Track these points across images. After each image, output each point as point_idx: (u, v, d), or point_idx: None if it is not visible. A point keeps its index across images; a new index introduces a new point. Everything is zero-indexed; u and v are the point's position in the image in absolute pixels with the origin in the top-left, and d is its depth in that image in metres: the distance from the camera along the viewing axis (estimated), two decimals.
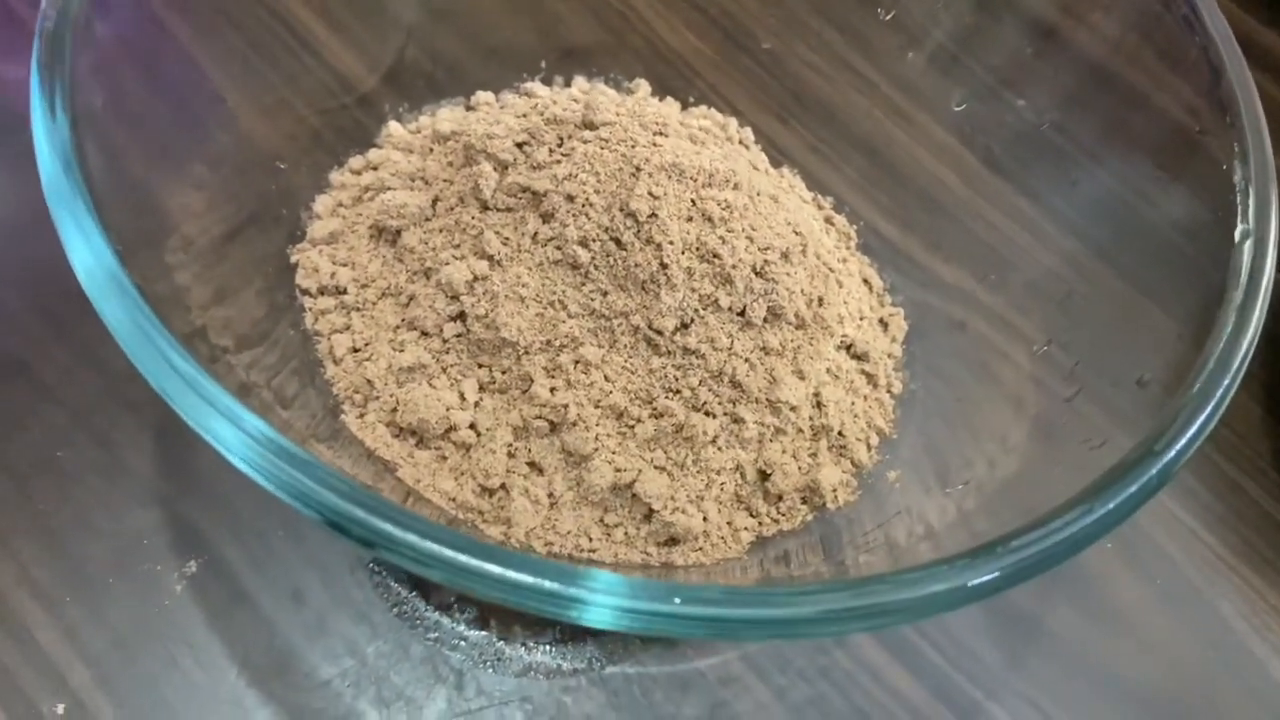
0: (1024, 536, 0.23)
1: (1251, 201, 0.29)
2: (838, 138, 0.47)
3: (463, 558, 0.21)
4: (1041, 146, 0.43)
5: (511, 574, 0.21)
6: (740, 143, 0.43)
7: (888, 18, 0.44)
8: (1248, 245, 0.28)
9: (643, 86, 0.44)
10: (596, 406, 0.33)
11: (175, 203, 0.35)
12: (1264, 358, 0.46)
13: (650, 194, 0.34)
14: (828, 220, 0.43)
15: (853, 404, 0.37)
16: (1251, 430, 0.44)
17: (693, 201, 0.34)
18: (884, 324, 0.40)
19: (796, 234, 0.36)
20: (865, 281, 0.41)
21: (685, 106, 0.45)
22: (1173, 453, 0.24)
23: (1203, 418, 0.24)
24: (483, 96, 0.42)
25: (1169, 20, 0.34)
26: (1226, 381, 0.25)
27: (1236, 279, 0.28)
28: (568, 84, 0.44)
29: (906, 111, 0.47)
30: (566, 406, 0.33)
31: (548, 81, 0.44)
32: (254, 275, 0.36)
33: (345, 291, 0.35)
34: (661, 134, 0.35)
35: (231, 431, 0.22)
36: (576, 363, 0.33)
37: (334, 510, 0.21)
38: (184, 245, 0.33)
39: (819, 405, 0.36)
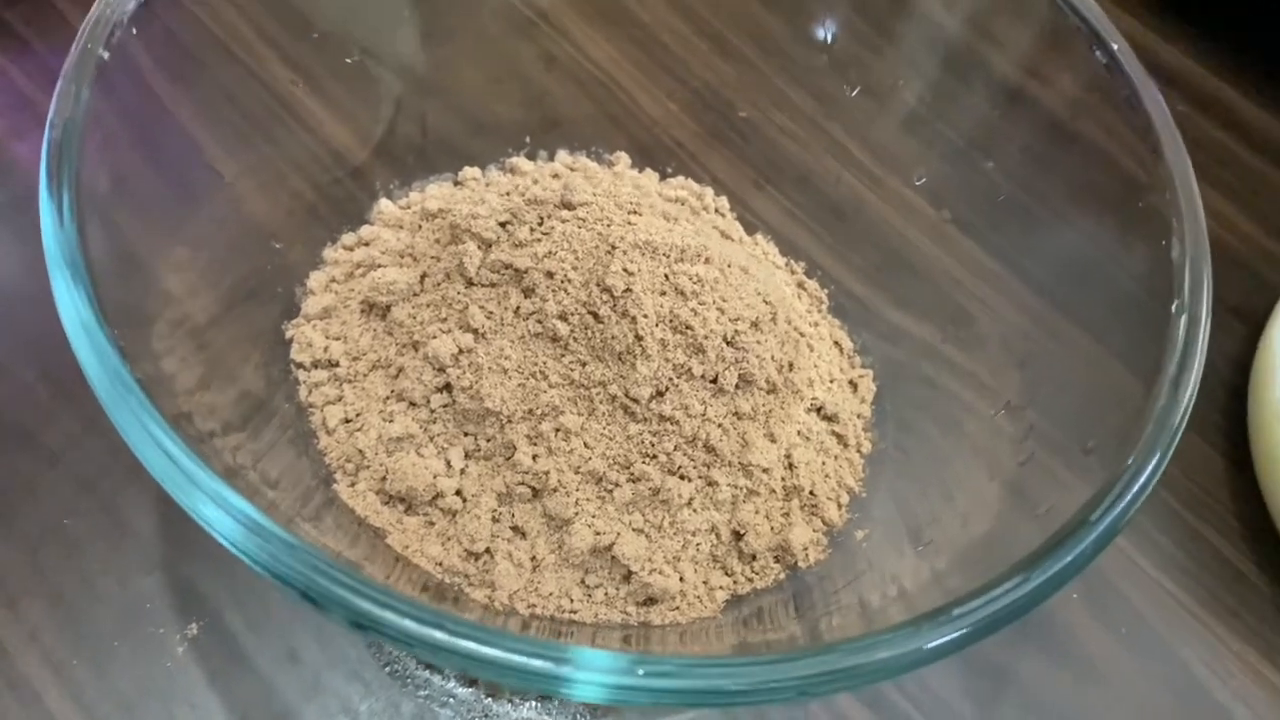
0: (966, 604, 0.25)
1: (1187, 278, 0.31)
2: (811, 201, 0.49)
3: (439, 635, 0.22)
4: (1009, 206, 0.45)
5: (491, 652, 0.22)
6: (716, 211, 0.45)
7: (853, 94, 0.46)
8: (1183, 320, 0.30)
9: (623, 159, 0.46)
10: (576, 472, 0.35)
11: (177, 281, 0.37)
12: (1225, 406, 0.48)
13: (625, 270, 0.35)
14: (800, 285, 0.45)
15: (823, 464, 0.38)
16: (1213, 481, 0.45)
17: (665, 276, 0.36)
18: (854, 385, 0.42)
19: (766, 303, 0.38)
20: (836, 344, 0.43)
21: (664, 176, 0.47)
22: (1106, 523, 0.26)
23: (1134, 490, 0.26)
24: (470, 172, 0.44)
25: (1115, 97, 0.36)
26: (1158, 456, 0.27)
27: (1172, 352, 0.29)
28: (552, 157, 0.46)
29: (877, 175, 0.49)
30: (548, 473, 0.35)
31: (532, 155, 0.46)
32: (251, 351, 0.37)
33: (338, 364, 0.37)
34: (636, 212, 0.37)
35: (217, 513, 0.24)
36: (557, 430, 0.35)
37: (317, 591, 0.23)
38: (181, 324, 0.35)
39: (790, 466, 0.38)
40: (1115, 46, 0.35)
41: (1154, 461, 0.27)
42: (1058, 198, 0.45)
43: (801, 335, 0.40)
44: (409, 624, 0.22)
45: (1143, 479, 0.26)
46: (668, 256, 0.36)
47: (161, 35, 0.36)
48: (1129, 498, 0.26)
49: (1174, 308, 0.30)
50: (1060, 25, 0.37)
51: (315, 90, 0.46)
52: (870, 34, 0.47)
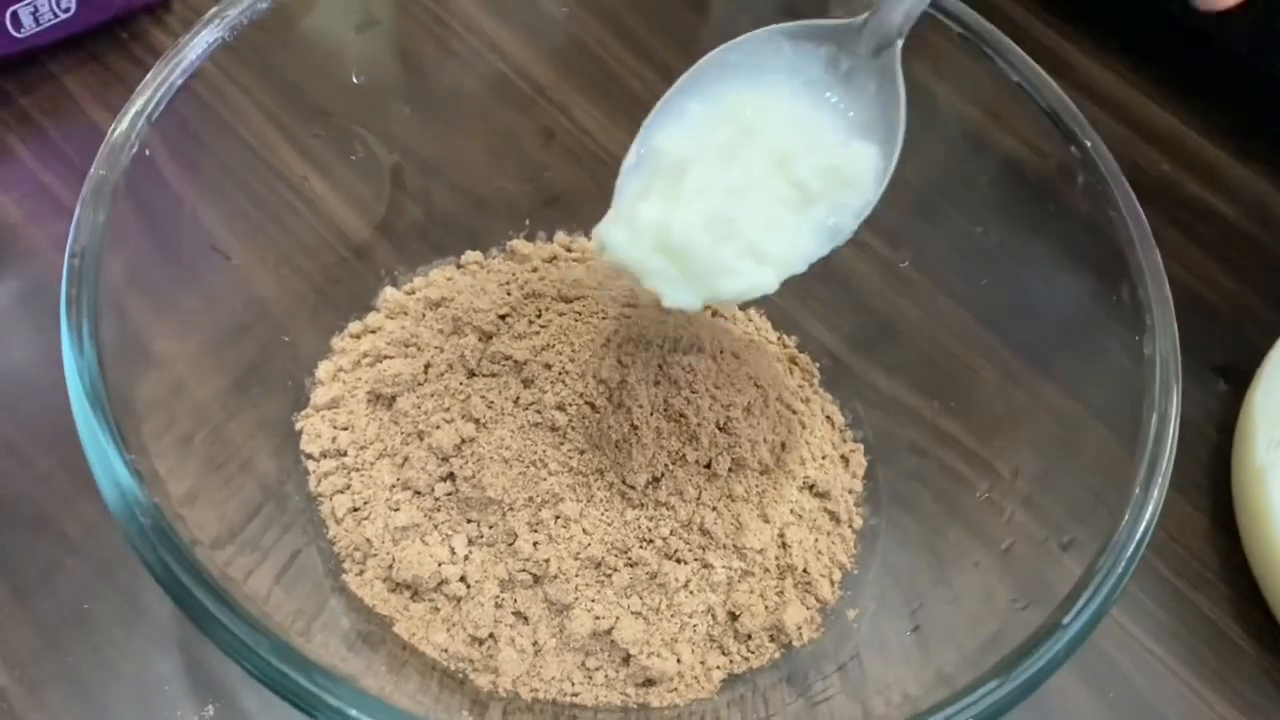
0: (945, 710, 0.26)
1: (1157, 376, 0.32)
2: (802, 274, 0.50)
3: None
4: (995, 269, 0.47)
5: None
6: None
7: None
8: (1153, 419, 0.31)
9: None
10: (576, 558, 0.36)
11: (188, 371, 0.38)
12: (1208, 466, 0.49)
13: (620, 362, 0.37)
14: (791, 360, 0.46)
15: (816, 541, 0.40)
16: (1198, 541, 0.47)
17: (660, 367, 0.37)
18: (845, 460, 0.43)
19: (758, 387, 0.39)
20: (828, 419, 0.44)
21: None
22: (1079, 626, 0.27)
23: (1105, 591, 0.27)
24: (471, 256, 0.45)
25: (1092, 189, 0.38)
26: (1129, 554, 0.28)
27: (1143, 450, 0.31)
28: (550, 238, 0.48)
29: (866, 243, 0.50)
30: (549, 560, 0.36)
31: (531, 235, 0.48)
32: (262, 442, 0.39)
33: (345, 454, 0.39)
34: (631, 305, 0.39)
35: (216, 627, 0.25)
36: (557, 518, 0.36)
37: (302, 699, 0.24)
38: (190, 423, 0.36)
39: (784, 545, 0.39)
40: (1089, 143, 0.36)
41: (1124, 562, 0.28)
42: (1044, 268, 0.46)
43: (794, 413, 0.42)
44: None
45: (1113, 580, 0.28)
46: (661, 348, 0.38)
47: (174, 131, 0.37)
48: (1101, 598, 0.27)
49: (1144, 404, 0.31)
50: (1039, 118, 0.39)
51: (320, 170, 0.47)
52: None
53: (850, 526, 0.41)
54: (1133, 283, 0.34)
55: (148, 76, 0.34)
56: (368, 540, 0.37)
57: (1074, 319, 0.39)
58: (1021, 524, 0.35)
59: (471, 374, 0.38)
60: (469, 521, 0.37)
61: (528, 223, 0.48)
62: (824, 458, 0.42)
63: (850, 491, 0.42)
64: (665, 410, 0.37)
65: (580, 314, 0.38)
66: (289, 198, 0.46)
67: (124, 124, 0.33)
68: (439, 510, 0.37)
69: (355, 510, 0.38)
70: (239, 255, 0.42)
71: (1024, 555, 0.34)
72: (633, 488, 0.37)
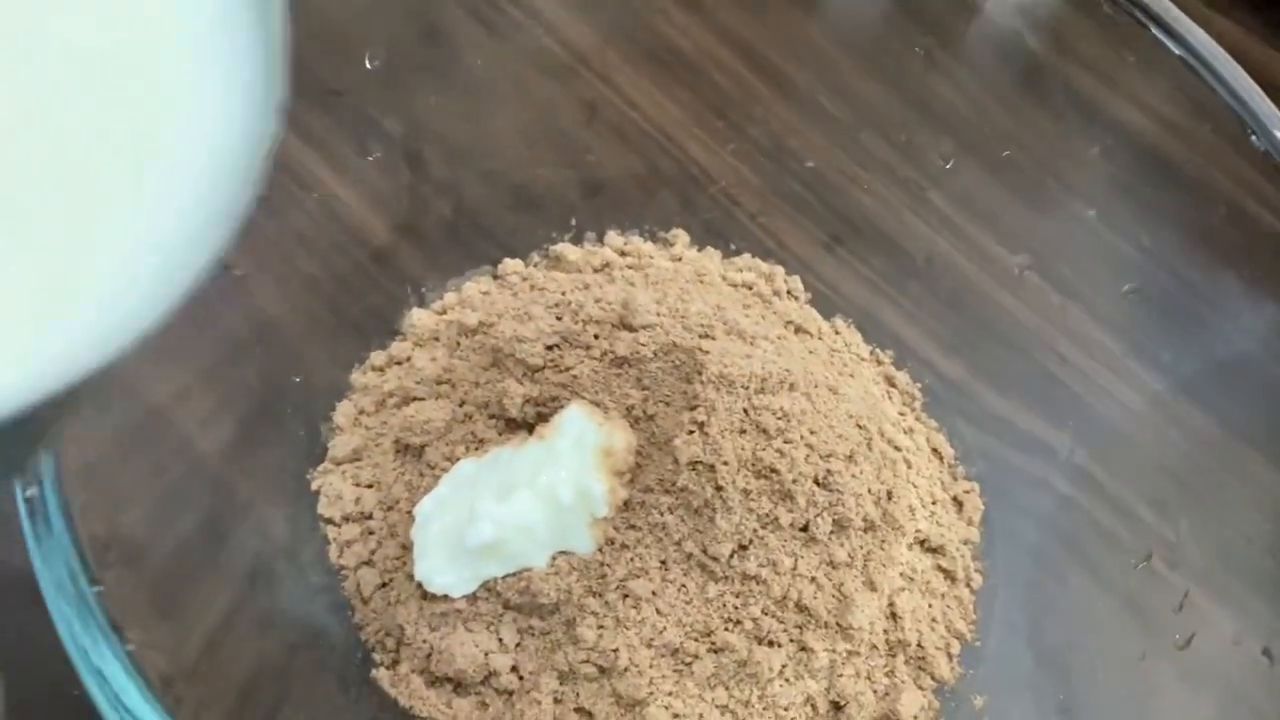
0: None
1: None
2: (890, 265, 0.43)
3: None
4: (1121, 267, 0.40)
5: None
6: (789, 294, 0.40)
7: (949, 166, 0.40)
8: None
9: (681, 238, 0.41)
10: (649, 646, 0.30)
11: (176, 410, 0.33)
12: None
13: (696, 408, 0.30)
14: (889, 381, 0.39)
15: (930, 608, 0.33)
16: None
17: (745, 412, 0.31)
18: (958, 503, 0.36)
19: (860, 427, 0.33)
20: (935, 451, 0.37)
21: (726, 254, 0.41)
22: None
23: None
24: (510, 265, 0.39)
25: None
26: None
27: None
28: (600, 238, 0.41)
29: (963, 229, 0.43)
30: (616, 650, 0.30)
31: (578, 238, 0.41)
32: (275, 494, 0.33)
33: (370, 516, 0.33)
34: (708, 335, 0.32)
35: None
36: (625, 597, 0.30)
37: None
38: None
39: (893, 616, 0.33)
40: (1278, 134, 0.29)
41: None
42: (1180, 256, 0.39)
43: (899, 450, 0.35)
44: None
45: None
46: (746, 389, 0.31)
47: None
48: None
49: None
50: (1206, 96, 0.31)
51: (330, 160, 0.41)
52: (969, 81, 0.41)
53: (968, 586, 0.35)
54: None
55: None
56: (400, 627, 0.31)
57: (1256, 335, 0.32)
58: (1203, 612, 0.28)
59: (511, 423, 0.32)
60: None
61: (573, 222, 0.41)
62: (934, 502, 0.36)
63: (966, 543, 0.36)
64: (754, 465, 0.30)
65: (644, 345, 0.31)
66: (293, 191, 0.39)
67: None
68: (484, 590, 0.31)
69: (384, 586, 0.32)
70: (240, 262, 0.36)
71: (1213, 657, 0.27)
72: (715, 559, 0.30)
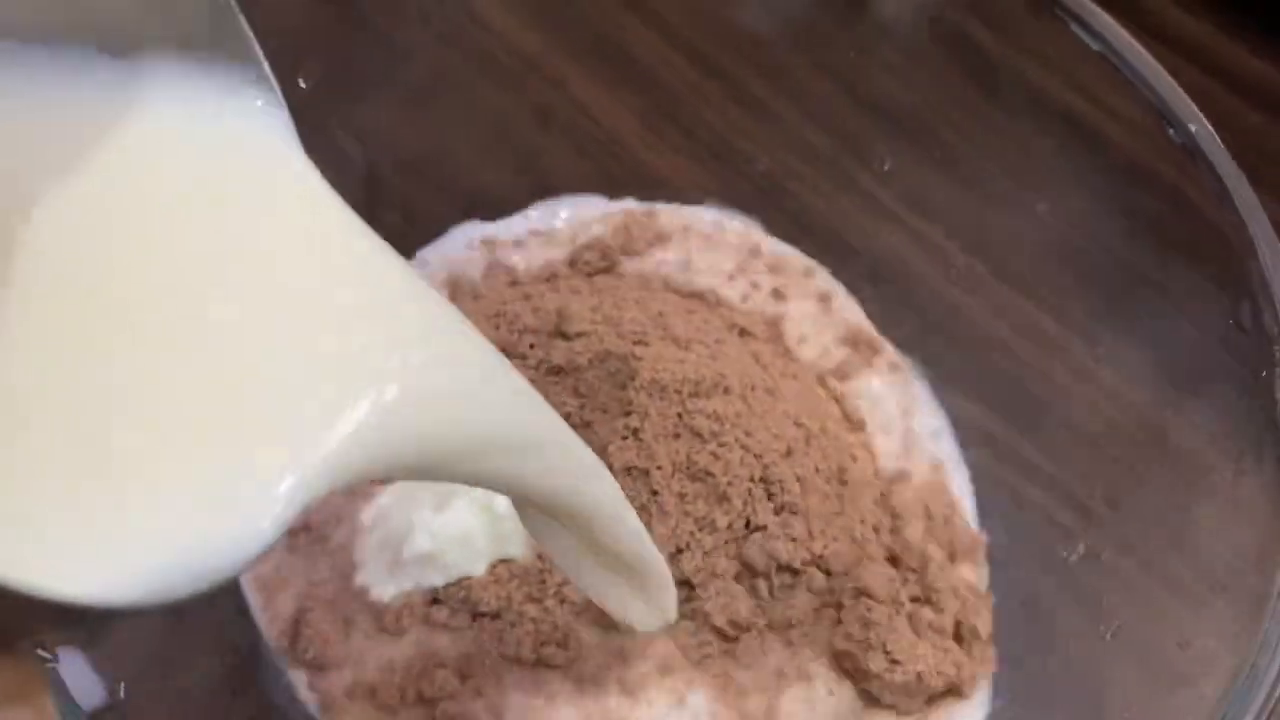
0: None
1: None
2: (840, 263, 0.43)
3: None
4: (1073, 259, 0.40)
5: None
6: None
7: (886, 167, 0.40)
8: None
9: None
10: None
11: None
12: None
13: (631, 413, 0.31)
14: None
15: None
16: None
17: (679, 417, 0.31)
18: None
19: (799, 425, 0.33)
20: None
21: None
22: None
23: None
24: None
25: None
26: None
27: None
28: None
29: (913, 225, 0.43)
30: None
31: None
32: None
33: (309, 528, 0.33)
34: (642, 342, 0.32)
35: None
36: (563, 603, 0.30)
37: None
38: None
39: None
40: (1193, 128, 0.29)
41: None
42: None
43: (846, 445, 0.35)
44: None
45: None
46: (680, 393, 0.31)
47: None
48: None
49: None
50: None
51: None
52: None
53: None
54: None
55: None
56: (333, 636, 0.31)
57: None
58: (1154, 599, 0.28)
59: None
60: None
61: None
62: None
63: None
64: (689, 469, 0.31)
65: (579, 353, 0.32)
66: None
67: None
68: None
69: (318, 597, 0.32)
70: None
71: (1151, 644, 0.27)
72: None
